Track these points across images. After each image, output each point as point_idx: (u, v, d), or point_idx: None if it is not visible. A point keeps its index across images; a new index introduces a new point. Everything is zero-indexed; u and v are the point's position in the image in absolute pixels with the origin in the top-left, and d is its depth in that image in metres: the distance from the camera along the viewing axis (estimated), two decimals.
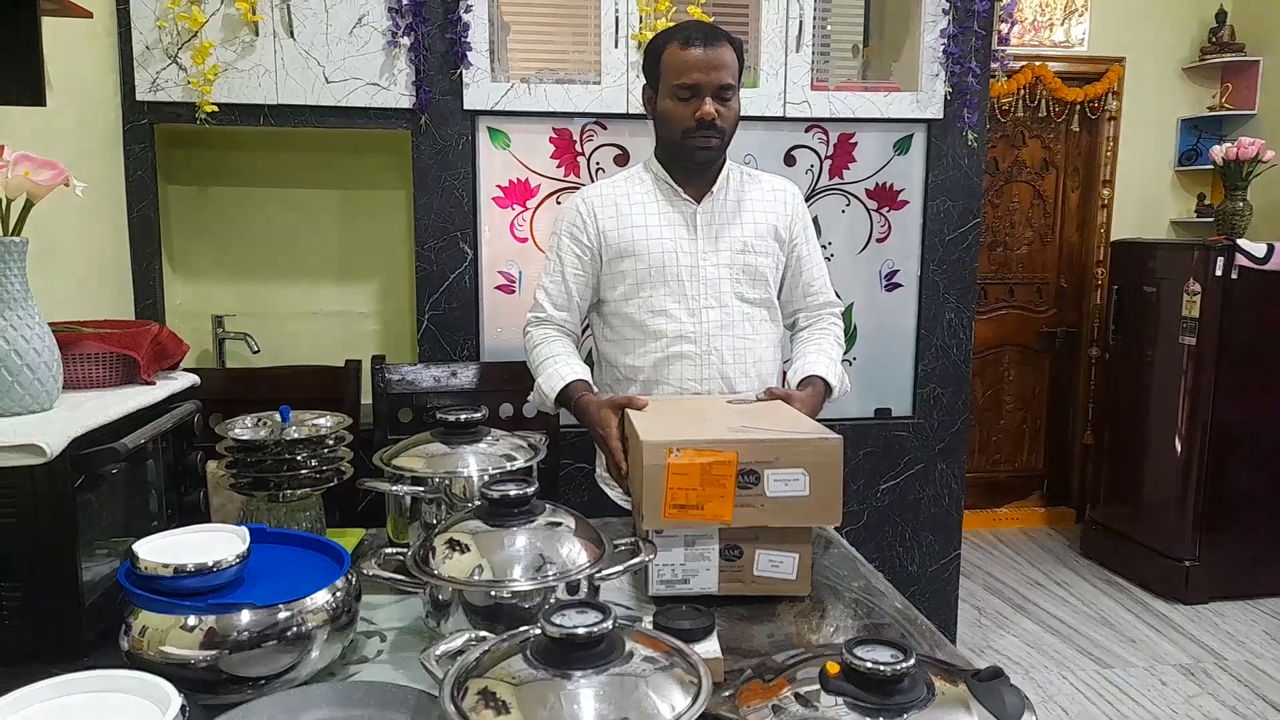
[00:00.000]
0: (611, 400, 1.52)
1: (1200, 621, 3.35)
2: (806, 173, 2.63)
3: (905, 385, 2.77)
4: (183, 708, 0.76)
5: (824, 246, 2.49)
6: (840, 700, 0.72)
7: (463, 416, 1.40)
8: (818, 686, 0.74)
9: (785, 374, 1.78)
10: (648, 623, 1.04)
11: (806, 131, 2.61)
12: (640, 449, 1.20)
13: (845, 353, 1.84)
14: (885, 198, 2.69)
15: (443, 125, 2.43)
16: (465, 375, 2.24)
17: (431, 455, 1.37)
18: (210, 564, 0.95)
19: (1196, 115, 4.08)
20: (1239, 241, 3.37)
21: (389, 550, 1.11)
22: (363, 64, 2.36)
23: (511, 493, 1.08)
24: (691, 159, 1.67)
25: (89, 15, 1.86)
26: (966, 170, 2.68)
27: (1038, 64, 3.95)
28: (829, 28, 2.99)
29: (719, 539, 1.21)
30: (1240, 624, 3.34)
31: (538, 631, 0.80)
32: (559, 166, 2.53)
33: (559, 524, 1.10)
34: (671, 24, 2.39)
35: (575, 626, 0.78)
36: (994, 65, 2.68)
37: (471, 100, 2.41)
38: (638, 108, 2.47)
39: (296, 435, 1.36)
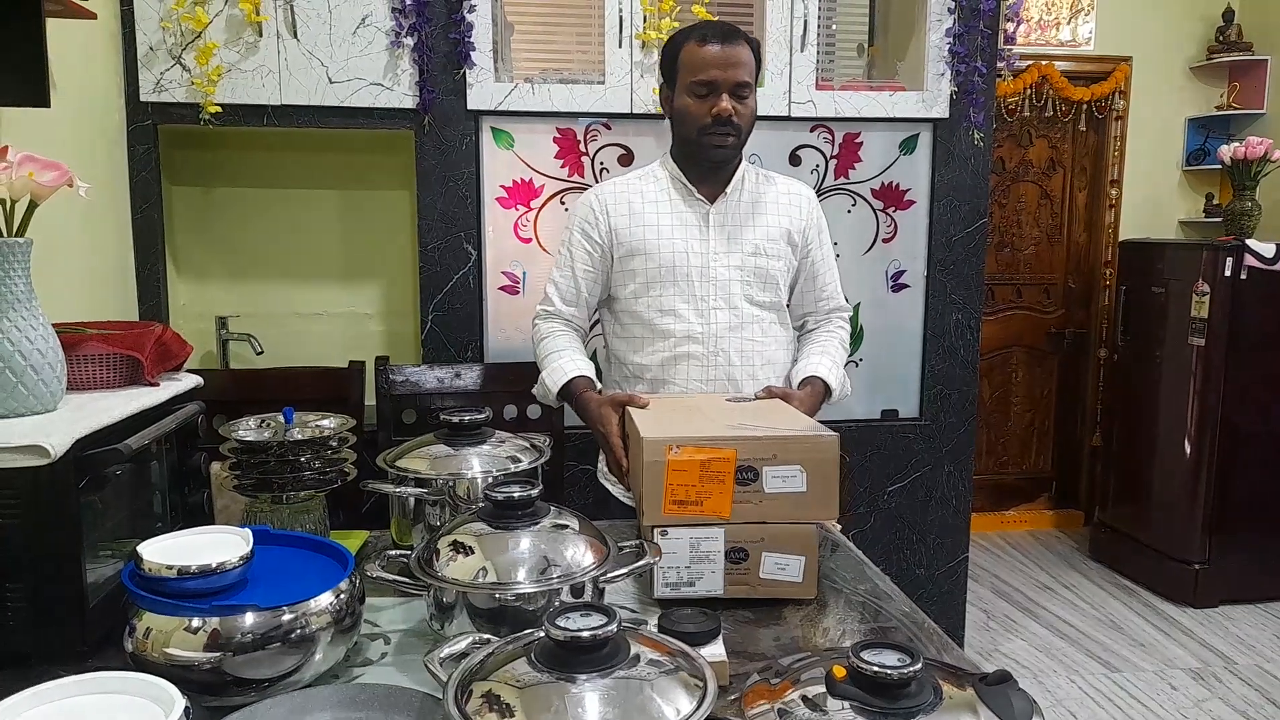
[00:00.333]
0: (612, 398, 1.52)
1: (1210, 625, 3.33)
2: (812, 172, 2.62)
3: (912, 387, 2.76)
4: (187, 710, 0.76)
5: None
6: (847, 704, 0.72)
7: (467, 418, 1.40)
8: (824, 690, 0.74)
9: (789, 375, 1.78)
10: (653, 625, 1.03)
11: (812, 131, 2.61)
12: (640, 446, 1.21)
13: (851, 354, 1.84)
14: (891, 198, 2.68)
15: (446, 125, 2.43)
16: (469, 376, 2.24)
17: (435, 457, 1.37)
18: (214, 566, 0.95)
19: (1204, 115, 4.06)
20: (1248, 242, 3.35)
21: (393, 552, 1.10)
22: (366, 64, 2.36)
23: (516, 495, 1.08)
24: (708, 156, 1.67)
25: (93, 16, 1.86)
26: (973, 170, 2.67)
27: (1044, 63, 3.94)
28: (834, 27, 2.99)
29: (724, 541, 1.20)
30: (1250, 628, 3.31)
31: (542, 634, 0.80)
32: (563, 167, 2.53)
33: (563, 526, 1.10)
34: (677, 24, 2.39)
35: (580, 629, 0.77)
36: (1000, 64, 2.67)
37: (475, 100, 2.41)
38: (642, 107, 2.46)
39: (300, 437, 1.36)
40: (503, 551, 1.04)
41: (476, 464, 1.35)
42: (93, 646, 1.07)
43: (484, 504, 1.12)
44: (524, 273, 2.55)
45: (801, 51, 2.51)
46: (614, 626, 0.78)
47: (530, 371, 1.76)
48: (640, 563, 1.11)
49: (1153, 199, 4.13)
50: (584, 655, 0.77)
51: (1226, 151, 3.47)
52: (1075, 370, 4.33)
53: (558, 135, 2.51)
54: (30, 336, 1.11)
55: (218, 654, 0.91)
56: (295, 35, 2.32)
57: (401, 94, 2.38)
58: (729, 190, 1.72)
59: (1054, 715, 2.70)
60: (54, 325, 1.18)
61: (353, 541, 1.45)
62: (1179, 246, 3.67)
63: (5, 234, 1.12)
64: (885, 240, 2.69)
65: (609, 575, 1.06)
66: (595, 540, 1.10)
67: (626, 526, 1.47)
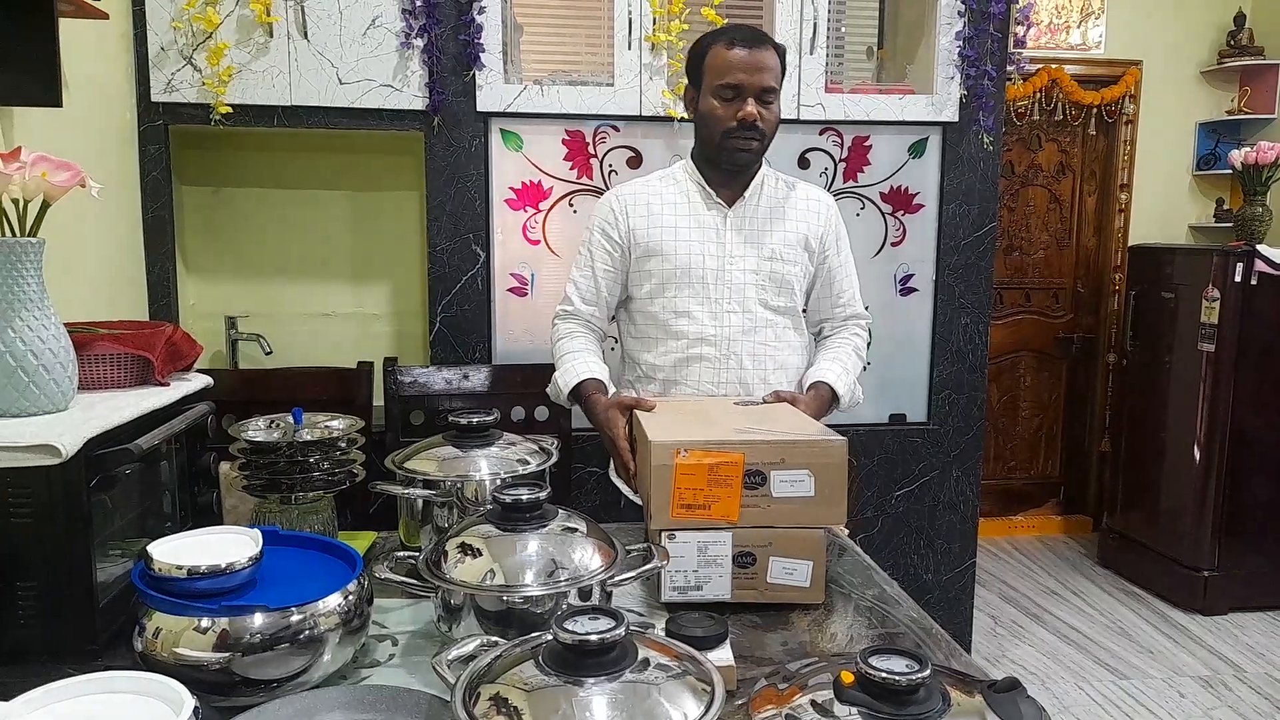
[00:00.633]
0: (620, 401, 1.53)
1: (1219, 632, 3.31)
2: (820, 175, 2.62)
3: (920, 391, 2.75)
4: (196, 710, 0.76)
5: None
6: (855, 710, 0.71)
7: (475, 420, 1.40)
8: (832, 696, 0.74)
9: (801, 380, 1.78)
10: (660, 629, 1.03)
11: (821, 134, 2.60)
12: (649, 449, 1.21)
13: None
14: (900, 201, 2.67)
15: (455, 127, 2.43)
16: (477, 378, 2.24)
17: (443, 458, 1.37)
18: (223, 566, 0.95)
19: (1215, 119, 4.04)
20: (1258, 247, 3.33)
21: (401, 554, 1.11)
22: (376, 65, 2.36)
23: (524, 497, 1.08)
24: (731, 160, 1.68)
25: (105, 17, 1.87)
26: (982, 174, 2.67)
27: (1054, 67, 3.93)
28: (843, 30, 2.98)
29: (732, 546, 1.20)
30: (1260, 635, 3.29)
31: (550, 637, 0.80)
32: (572, 169, 2.53)
33: (571, 529, 1.10)
34: (686, 26, 2.39)
35: (587, 633, 0.77)
36: (1010, 68, 2.66)
37: (484, 102, 2.42)
38: (651, 110, 2.47)
39: (309, 437, 1.36)
40: (510, 554, 1.04)
41: (484, 466, 1.35)
42: (102, 645, 1.07)
43: (492, 506, 1.12)
44: (532, 274, 2.56)
45: (811, 54, 2.51)
46: (621, 630, 0.78)
47: (538, 373, 1.77)
48: (647, 566, 1.10)
49: (1163, 204, 4.11)
50: (591, 659, 0.77)
51: (1237, 156, 3.45)
52: (1084, 375, 4.31)
53: (566, 137, 2.51)
54: (42, 336, 1.12)
55: (227, 654, 0.92)
56: (306, 36, 2.33)
57: (411, 95, 2.39)
58: (748, 194, 1.73)
59: None
60: (65, 325, 1.18)
61: (361, 542, 1.45)
62: (1189, 251, 3.65)
63: (18, 234, 1.12)
64: (894, 244, 2.69)
65: (616, 578, 1.06)
66: (603, 543, 1.10)
67: (634, 529, 1.47)
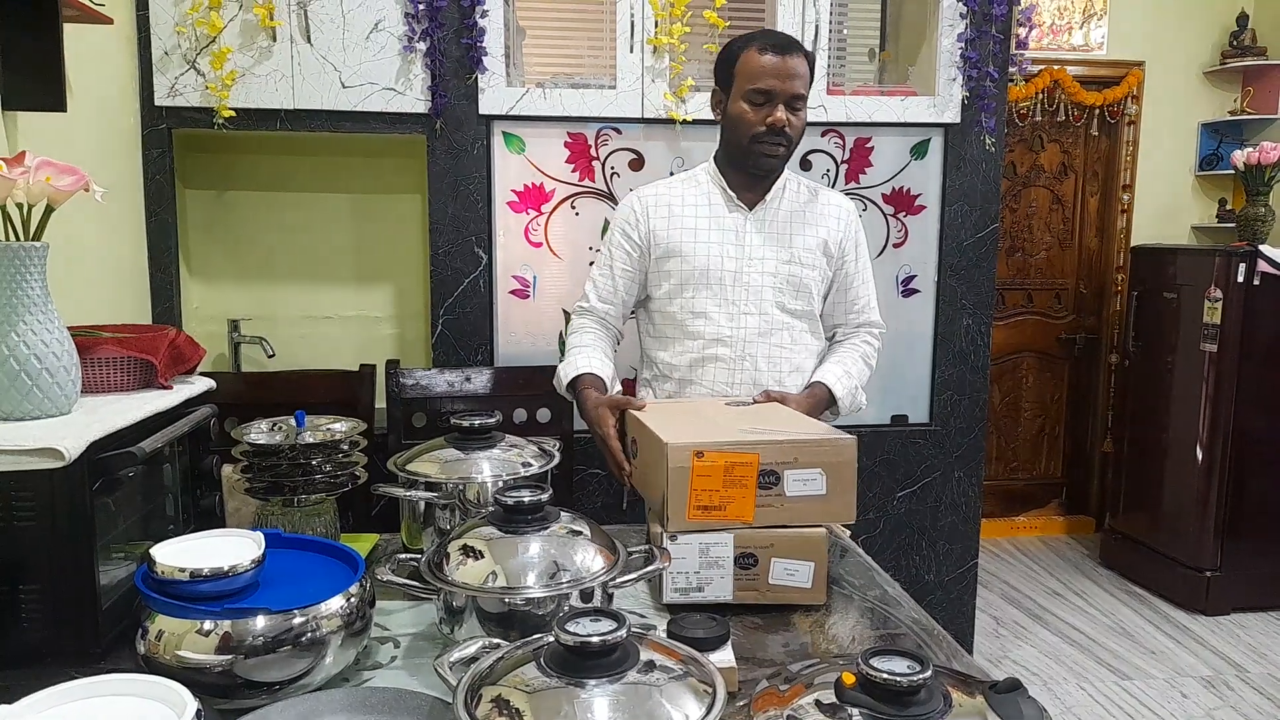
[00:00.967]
0: (610, 400, 1.55)
1: (1221, 633, 3.31)
2: (822, 177, 2.62)
3: (922, 392, 2.75)
4: (198, 712, 0.76)
5: None
6: (856, 711, 0.71)
7: (477, 422, 1.40)
8: (833, 697, 0.74)
9: None
10: (662, 631, 1.03)
11: (822, 135, 2.60)
12: (665, 451, 1.21)
13: None
14: (902, 202, 2.67)
15: (458, 130, 2.44)
16: (479, 380, 2.25)
17: (445, 461, 1.37)
18: (226, 569, 0.96)
19: (1217, 119, 4.03)
20: (1261, 248, 3.33)
21: (403, 556, 1.11)
22: (379, 69, 2.37)
23: (525, 499, 1.08)
24: (757, 165, 1.69)
25: (109, 21, 1.87)
26: (984, 175, 2.66)
27: (1056, 68, 3.92)
28: (845, 31, 2.98)
29: (734, 547, 1.20)
30: (1262, 635, 3.29)
31: (551, 639, 0.80)
32: (574, 171, 2.53)
33: (573, 531, 1.10)
34: (688, 29, 2.40)
35: (589, 635, 0.77)
36: (1012, 69, 2.66)
37: (487, 105, 2.42)
38: (653, 112, 2.47)
39: (311, 440, 1.36)
40: (512, 556, 1.04)
41: (486, 468, 1.36)
42: (105, 648, 1.08)
43: (494, 508, 1.12)
44: (534, 277, 2.56)
45: None
46: (623, 632, 0.78)
47: (540, 375, 1.78)
48: (649, 568, 1.11)
49: (1165, 204, 4.11)
50: (593, 660, 0.77)
51: (1240, 157, 3.45)
52: (1086, 376, 4.31)
53: (569, 140, 2.52)
54: (45, 340, 1.12)
55: (229, 657, 0.92)
56: (309, 40, 2.34)
57: (414, 99, 2.39)
58: (769, 198, 1.74)
59: None
60: (69, 328, 1.18)
61: (363, 545, 1.45)
62: (1191, 252, 3.65)
63: (22, 238, 1.13)
64: (896, 245, 2.69)
65: (618, 580, 1.06)
66: (604, 545, 1.10)
67: (636, 531, 1.47)
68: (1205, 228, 4.10)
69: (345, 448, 1.40)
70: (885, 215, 2.67)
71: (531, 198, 2.53)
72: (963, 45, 2.56)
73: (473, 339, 2.52)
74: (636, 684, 0.77)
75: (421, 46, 2.36)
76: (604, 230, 2.56)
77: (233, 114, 2.31)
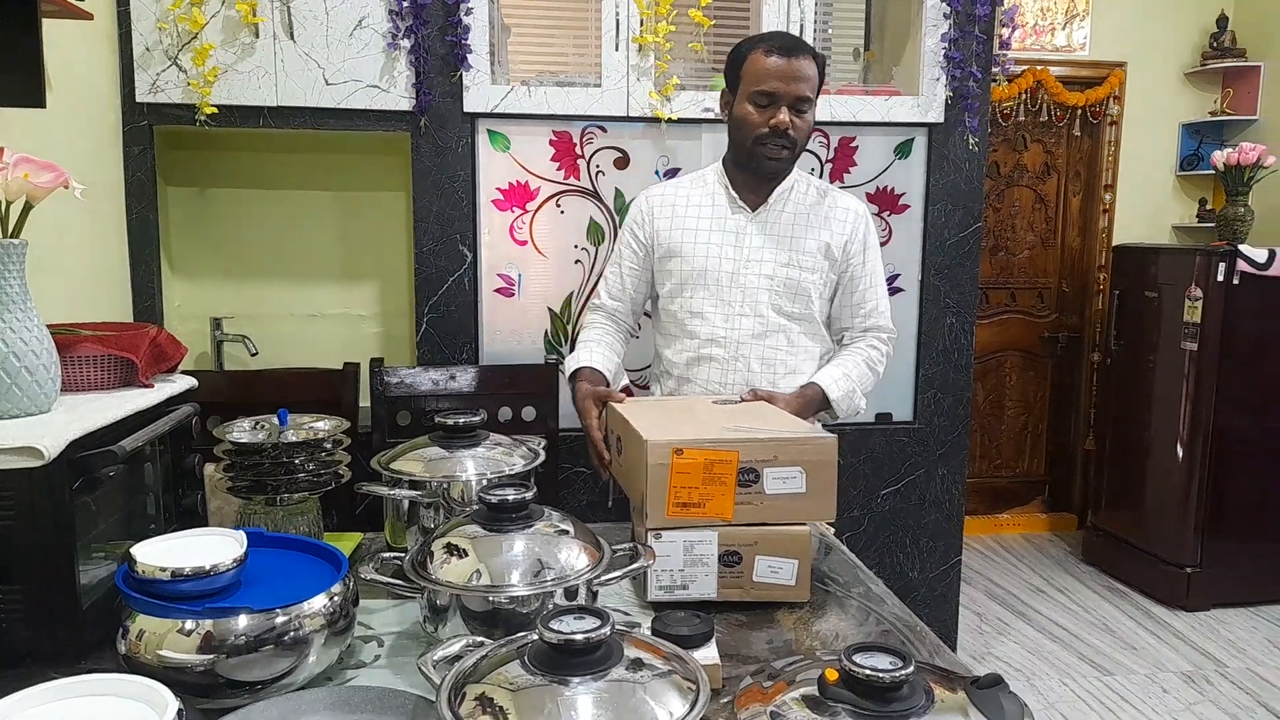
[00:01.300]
0: (595, 392, 1.59)
1: (1202, 628, 3.34)
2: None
3: (906, 390, 2.76)
4: (180, 712, 0.76)
5: None
6: (839, 707, 0.72)
7: (461, 420, 1.40)
8: (817, 693, 0.74)
9: None
10: (646, 628, 1.03)
11: None
12: (644, 448, 1.21)
13: None
14: (886, 202, 2.68)
15: (442, 128, 2.43)
16: (464, 379, 2.24)
17: (430, 459, 1.37)
18: (207, 568, 0.95)
19: (1198, 120, 4.08)
20: (1240, 247, 3.36)
21: (387, 554, 1.10)
22: (363, 66, 2.36)
23: (510, 497, 1.08)
24: (761, 167, 1.70)
25: (90, 17, 1.86)
26: (968, 174, 2.68)
27: (1039, 68, 3.95)
28: (830, 31, 2.99)
29: (718, 545, 1.21)
30: (1242, 631, 3.33)
31: (535, 637, 0.80)
32: (559, 169, 2.53)
33: (557, 529, 1.10)
34: (673, 27, 2.40)
35: (573, 632, 0.77)
36: (995, 69, 2.68)
37: (471, 103, 2.41)
38: (638, 111, 2.47)
39: (294, 438, 1.36)
40: (497, 554, 1.04)
41: (471, 466, 1.35)
42: (86, 648, 1.07)
43: (478, 507, 1.12)
44: (519, 275, 2.55)
45: None
46: (607, 629, 0.78)
47: (525, 374, 1.79)
48: (634, 566, 1.11)
49: (1146, 204, 4.15)
50: (577, 658, 0.77)
51: (1220, 157, 3.48)
52: (1069, 374, 4.34)
53: (554, 138, 2.51)
54: (24, 338, 1.11)
55: (211, 656, 0.91)
56: (292, 37, 2.32)
57: (398, 96, 2.38)
58: (773, 199, 1.75)
59: (1046, 718, 2.71)
60: (48, 326, 1.17)
61: (347, 543, 1.45)
62: (1172, 251, 3.68)
63: (1, 235, 1.12)
64: (880, 244, 2.69)
65: (602, 578, 1.06)
66: (589, 543, 1.10)
67: (620, 529, 1.47)
68: (1186, 227, 4.14)
69: (329, 446, 1.40)
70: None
71: (516, 196, 2.53)
72: (946, 45, 2.58)
73: (457, 337, 2.51)
74: (620, 681, 0.77)
75: (406, 44, 2.35)
76: (589, 228, 2.56)
77: (215, 111, 2.29)
